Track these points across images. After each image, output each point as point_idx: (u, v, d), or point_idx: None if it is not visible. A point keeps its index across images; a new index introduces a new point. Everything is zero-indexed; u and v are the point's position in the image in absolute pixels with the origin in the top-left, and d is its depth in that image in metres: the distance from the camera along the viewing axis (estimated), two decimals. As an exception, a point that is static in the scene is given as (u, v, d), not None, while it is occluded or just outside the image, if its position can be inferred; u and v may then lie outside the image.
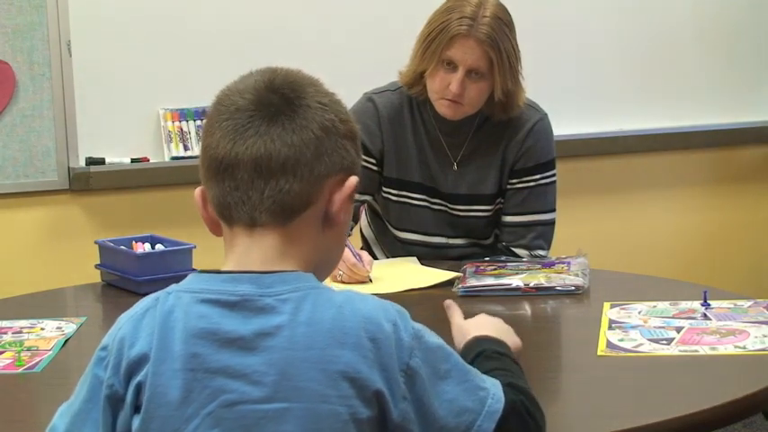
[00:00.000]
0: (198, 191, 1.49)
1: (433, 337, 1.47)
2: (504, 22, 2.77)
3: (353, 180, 1.47)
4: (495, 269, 2.69)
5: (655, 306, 2.39)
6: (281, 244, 1.44)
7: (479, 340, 1.75)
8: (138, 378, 1.40)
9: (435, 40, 2.76)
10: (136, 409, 1.40)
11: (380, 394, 1.38)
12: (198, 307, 1.40)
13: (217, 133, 1.44)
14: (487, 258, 2.82)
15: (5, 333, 2.34)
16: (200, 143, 1.49)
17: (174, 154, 3.75)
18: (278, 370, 1.37)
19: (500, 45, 2.74)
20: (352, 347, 1.38)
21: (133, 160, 3.73)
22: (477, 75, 2.77)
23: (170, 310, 1.41)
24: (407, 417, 1.40)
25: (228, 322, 1.39)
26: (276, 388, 1.37)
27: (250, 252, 1.45)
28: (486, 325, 1.84)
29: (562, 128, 3.38)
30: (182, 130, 3.76)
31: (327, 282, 2.61)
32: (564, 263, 2.70)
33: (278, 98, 1.44)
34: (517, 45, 2.80)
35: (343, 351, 1.37)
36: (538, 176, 2.90)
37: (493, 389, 1.50)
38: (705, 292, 2.39)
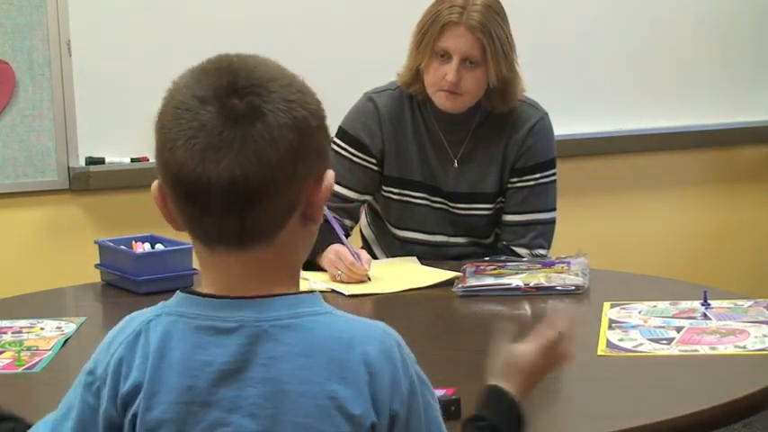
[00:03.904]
0: (155, 185, 1.37)
1: (427, 395, 1.39)
2: (494, 10, 2.78)
3: (330, 175, 1.39)
4: (494, 269, 2.69)
5: (655, 306, 2.39)
6: (273, 256, 1.36)
7: (489, 402, 1.61)
8: (133, 409, 1.35)
9: (428, 32, 2.78)
10: None
11: (375, 427, 1.33)
12: (193, 335, 1.35)
13: (179, 151, 1.31)
14: (487, 258, 2.81)
15: (5, 333, 2.34)
16: (156, 147, 1.35)
17: (174, 154, 3.74)
18: (274, 404, 1.32)
19: (492, 31, 2.76)
20: (351, 383, 1.32)
21: (133, 160, 3.73)
22: (472, 63, 2.77)
23: (164, 337, 1.35)
24: None
25: (225, 352, 1.33)
26: (272, 422, 1.32)
27: (240, 269, 1.36)
28: (516, 375, 1.67)
29: (561, 128, 3.36)
30: (181, 129, 3.75)
31: (327, 282, 2.65)
32: (564, 263, 2.70)
33: (244, 107, 1.32)
34: (510, 34, 2.81)
35: (341, 386, 1.32)
36: (538, 175, 2.90)
37: None
38: (705, 292, 2.39)
